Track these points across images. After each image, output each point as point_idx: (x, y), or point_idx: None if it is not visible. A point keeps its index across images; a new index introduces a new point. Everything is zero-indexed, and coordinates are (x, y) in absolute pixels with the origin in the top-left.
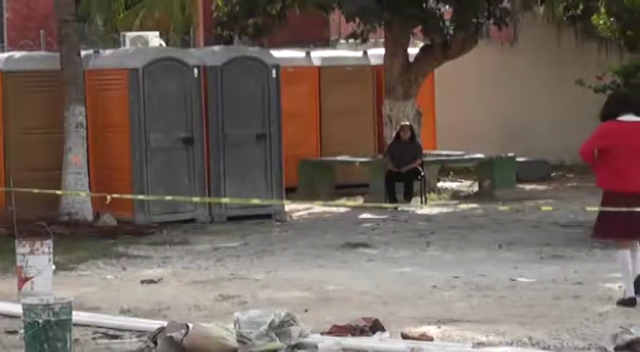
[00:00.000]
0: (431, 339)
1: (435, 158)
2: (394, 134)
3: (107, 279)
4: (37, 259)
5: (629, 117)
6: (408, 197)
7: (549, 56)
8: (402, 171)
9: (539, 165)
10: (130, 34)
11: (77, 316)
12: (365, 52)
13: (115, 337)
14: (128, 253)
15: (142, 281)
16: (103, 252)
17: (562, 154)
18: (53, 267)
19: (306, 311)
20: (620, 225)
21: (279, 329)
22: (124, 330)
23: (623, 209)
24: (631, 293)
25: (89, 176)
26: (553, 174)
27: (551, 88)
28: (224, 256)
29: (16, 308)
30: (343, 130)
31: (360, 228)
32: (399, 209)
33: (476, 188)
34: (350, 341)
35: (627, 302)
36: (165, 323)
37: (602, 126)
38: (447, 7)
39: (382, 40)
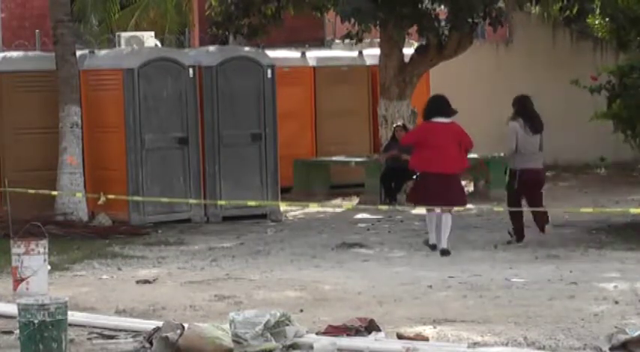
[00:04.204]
0: (426, 339)
1: None
2: (390, 135)
3: (102, 279)
4: (32, 259)
5: (439, 119)
6: (395, 193)
7: (544, 56)
8: (402, 159)
9: None
10: (125, 34)
11: (72, 316)
12: (360, 52)
13: (111, 337)
14: (123, 253)
15: (137, 282)
16: (98, 252)
17: (556, 154)
18: (48, 267)
19: (302, 311)
20: (425, 195)
21: (275, 329)
22: (120, 330)
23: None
24: (433, 240)
25: (84, 176)
26: (547, 174)
27: (546, 88)
28: (219, 256)
29: (12, 309)
30: (338, 130)
31: (356, 228)
32: (392, 208)
33: (471, 188)
34: (345, 341)
35: (431, 247)
36: (160, 324)
37: (420, 125)
38: (442, 7)
39: (377, 40)
